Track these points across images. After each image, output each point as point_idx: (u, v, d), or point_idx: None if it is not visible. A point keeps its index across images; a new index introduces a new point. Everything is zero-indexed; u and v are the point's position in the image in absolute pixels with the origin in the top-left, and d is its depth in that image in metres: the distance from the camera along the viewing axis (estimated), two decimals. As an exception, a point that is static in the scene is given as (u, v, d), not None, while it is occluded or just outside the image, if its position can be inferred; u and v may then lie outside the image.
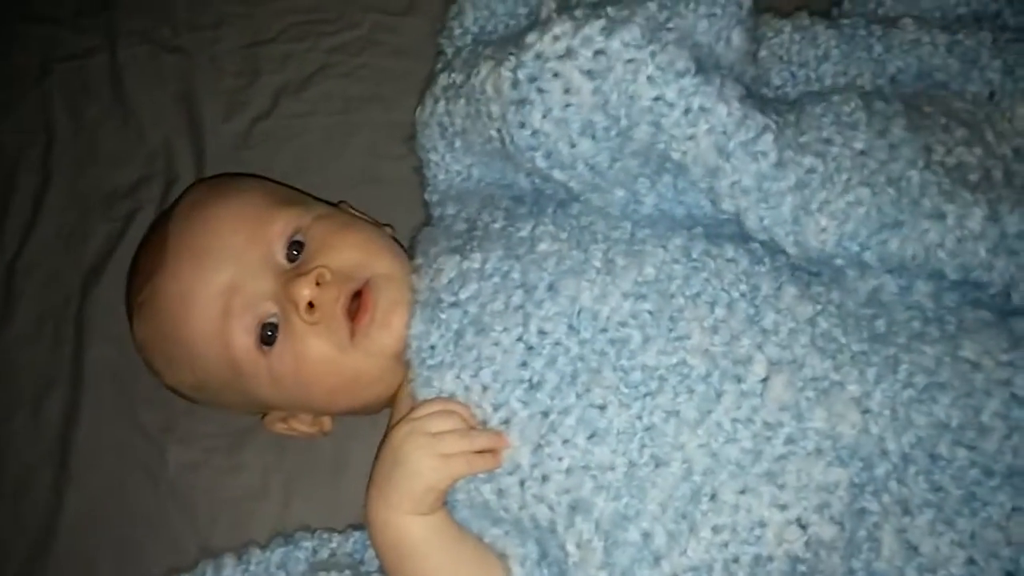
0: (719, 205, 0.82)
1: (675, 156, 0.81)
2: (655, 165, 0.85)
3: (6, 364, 1.11)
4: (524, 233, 0.88)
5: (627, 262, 0.83)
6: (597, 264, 0.83)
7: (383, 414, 0.99)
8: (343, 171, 1.14)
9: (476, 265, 0.87)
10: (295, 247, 0.93)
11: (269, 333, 0.90)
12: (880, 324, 0.80)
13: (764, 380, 0.77)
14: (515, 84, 0.83)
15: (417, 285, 0.90)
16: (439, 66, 1.04)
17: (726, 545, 0.74)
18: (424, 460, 0.79)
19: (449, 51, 1.04)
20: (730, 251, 0.83)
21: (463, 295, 0.86)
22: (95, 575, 1.02)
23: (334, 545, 0.96)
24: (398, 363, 0.91)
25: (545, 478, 0.79)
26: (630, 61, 0.79)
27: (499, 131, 0.87)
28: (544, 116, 0.82)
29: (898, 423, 0.76)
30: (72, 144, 1.20)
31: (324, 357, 0.89)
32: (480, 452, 0.81)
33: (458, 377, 0.83)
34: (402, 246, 1.01)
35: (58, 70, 1.23)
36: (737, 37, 0.85)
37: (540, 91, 0.82)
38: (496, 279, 0.85)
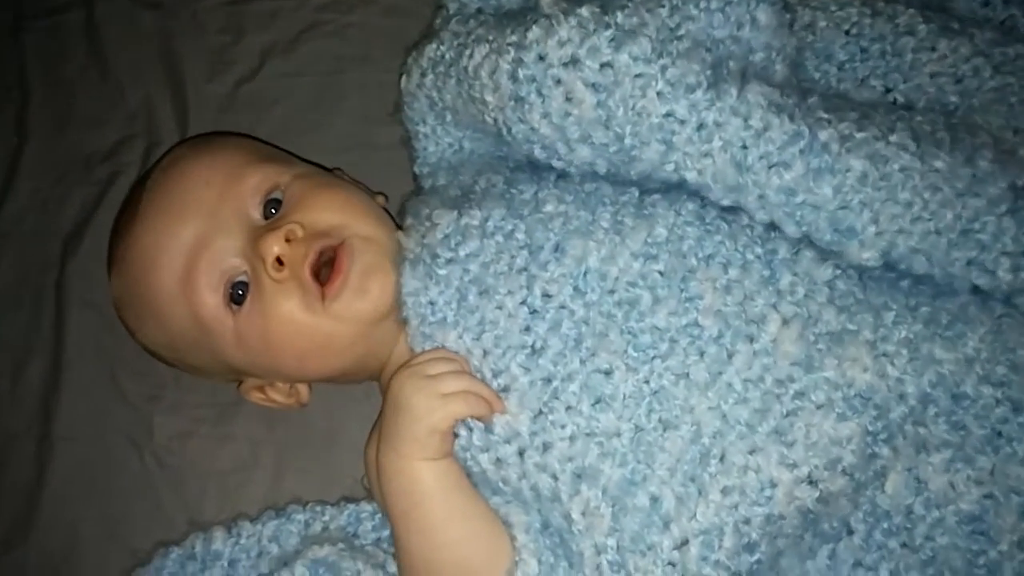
0: (753, 217, 0.79)
1: (690, 177, 0.78)
2: (658, 183, 0.82)
3: (-18, 333, 1.07)
4: (527, 196, 0.85)
5: (637, 223, 0.80)
6: (605, 224, 0.81)
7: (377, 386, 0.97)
8: (333, 135, 1.11)
9: (475, 222, 0.84)
10: (273, 205, 0.90)
11: (239, 292, 0.87)
12: (904, 284, 0.78)
13: (775, 340, 0.75)
14: (514, 80, 0.80)
15: (407, 244, 0.87)
16: (438, 22, 1.00)
17: (736, 507, 0.73)
18: (423, 401, 0.77)
19: (452, 6, 0.99)
20: (746, 217, 0.80)
21: (462, 252, 0.83)
22: (79, 547, 0.99)
23: (327, 518, 0.94)
24: (375, 329, 0.88)
25: (547, 446, 0.77)
26: (639, 76, 0.76)
27: (495, 119, 0.84)
28: (543, 117, 0.80)
29: (918, 362, 0.74)
30: (48, 104, 1.15)
31: (291, 318, 0.86)
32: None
33: (460, 338, 0.81)
34: (392, 217, 0.98)
35: (31, 27, 1.18)
36: (764, 15, 0.80)
37: (540, 94, 0.79)
38: (499, 238, 0.83)
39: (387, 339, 0.90)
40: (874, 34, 0.90)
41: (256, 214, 0.90)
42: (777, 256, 0.78)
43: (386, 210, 0.99)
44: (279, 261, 0.85)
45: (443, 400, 0.77)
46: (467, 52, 0.85)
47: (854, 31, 0.90)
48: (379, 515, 0.94)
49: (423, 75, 0.93)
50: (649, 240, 0.79)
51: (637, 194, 0.83)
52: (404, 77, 0.96)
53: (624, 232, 0.80)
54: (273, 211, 0.90)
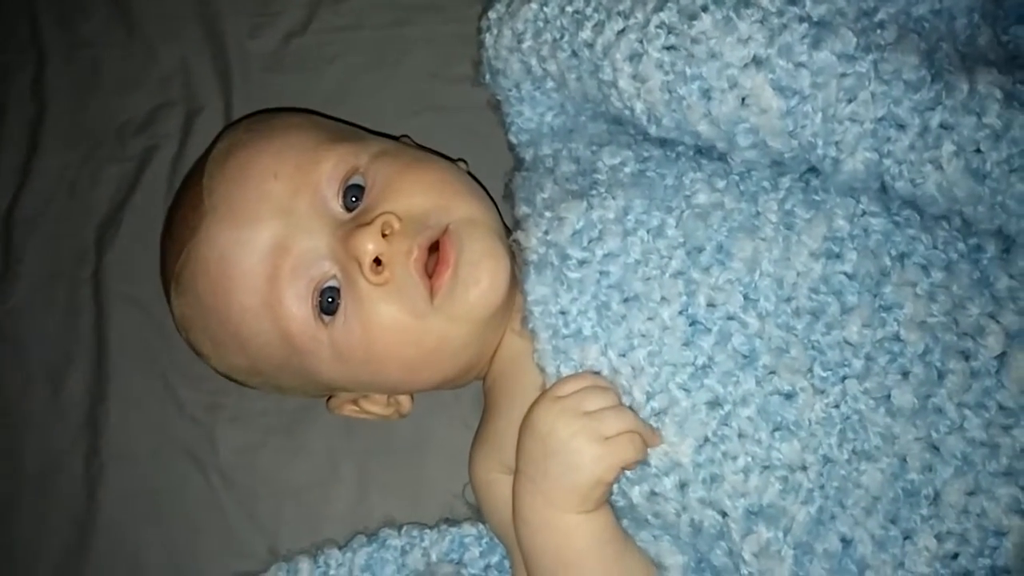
0: (973, 224, 0.67)
1: (901, 187, 0.66)
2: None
3: (13, 335, 0.95)
4: (669, 181, 0.72)
5: (812, 214, 0.68)
6: (773, 218, 0.68)
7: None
8: (396, 97, 0.98)
9: (611, 214, 0.72)
10: (353, 192, 0.78)
11: (330, 300, 0.76)
12: None
13: (1001, 356, 0.63)
14: (668, 72, 0.68)
15: (527, 242, 0.75)
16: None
17: (954, 557, 0.62)
18: (586, 447, 0.66)
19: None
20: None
21: (598, 251, 0.71)
22: (142, 581, 0.89)
23: (426, 544, 0.84)
24: (489, 328, 0.77)
25: (715, 479, 0.66)
26: (845, 76, 0.64)
27: (630, 107, 0.72)
28: (705, 118, 0.68)
29: None
30: (68, 67, 1.03)
31: (398, 325, 0.74)
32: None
33: (603, 354, 0.70)
34: (482, 186, 0.86)
35: (44, -22, 1.04)
36: None
37: (706, 96, 0.67)
38: (643, 234, 0.70)
39: (496, 335, 0.80)
40: None
41: (336, 204, 0.77)
42: (985, 254, 0.66)
43: (471, 175, 0.87)
44: (377, 261, 0.73)
45: (609, 446, 0.66)
46: (590, 24, 0.72)
47: None
48: (486, 539, 0.83)
49: (519, 39, 0.79)
50: (829, 235, 0.67)
51: (799, 176, 0.70)
52: (489, 36, 0.82)
53: (797, 227, 0.68)
54: (354, 199, 0.78)
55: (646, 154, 0.75)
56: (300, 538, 0.87)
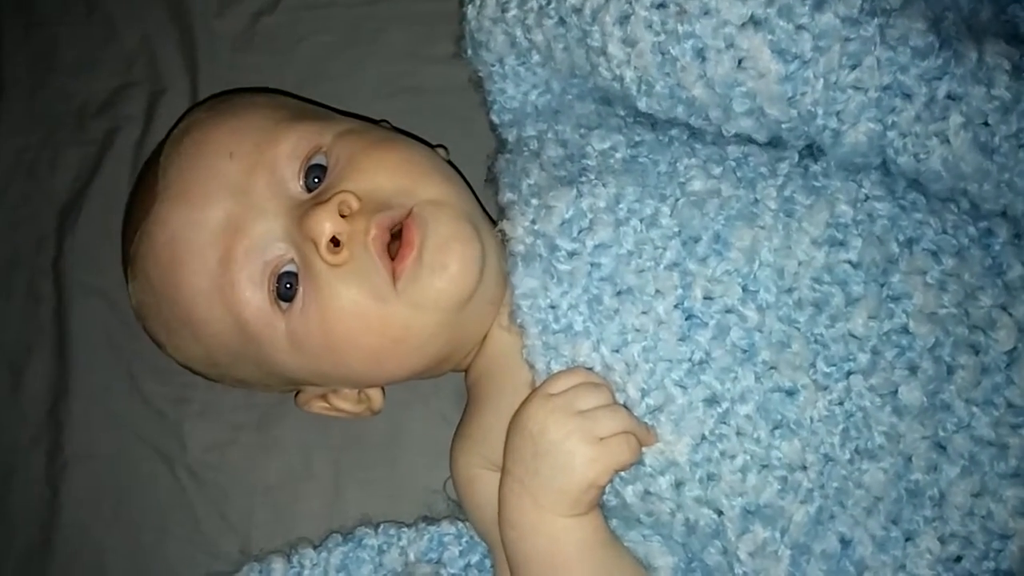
0: (982, 208, 0.65)
1: (903, 162, 0.63)
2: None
3: (-31, 326, 0.92)
4: (662, 168, 0.69)
5: (813, 200, 0.65)
6: (772, 205, 0.66)
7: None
8: (372, 78, 0.95)
9: (602, 203, 0.69)
10: (316, 173, 0.75)
11: (287, 286, 0.73)
12: None
13: (1012, 351, 0.61)
14: (659, 33, 0.65)
15: (513, 232, 0.72)
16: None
17: (957, 559, 0.61)
18: (579, 449, 0.63)
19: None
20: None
21: (589, 242, 0.68)
22: (107, 583, 0.87)
23: (404, 543, 0.81)
24: (460, 315, 0.73)
25: (712, 478, 0.64)
26: (849, 40, 0.61)
27: (619, 75, 0.69)
28: (700, 80, 0.65)
29: None
30: (24, 45, 0.99)
31: (358, 309, 0.71)
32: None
33: (595, 350, 0.67)
34: (461, 174, 0.83)
35: (-4, -51, 1.01)
36: None
37: (701, 56, 0.64)
38: (636, 224, 0.68)
39: (475, 326, 0.76)
40: None
41: (296, 186, 0.74)
42: (997, 239, 0.64)
43: (450, 163, 0.84)
44: (334, 241, 0.70)
45: (603, 448, 0.63)
46: None
47: None
48: (466, 538, 0.81)
49: (503, 8, 0.76)
50: (831, 221, 0.64)
51: (797, 158, 0.67)
52: (471, 7, 0.79)
53: (798, 213, 0.65)
54: (317, 180, 0.75)
55: (638, 138, 0.72)
56: (273, 537, 0.85)
